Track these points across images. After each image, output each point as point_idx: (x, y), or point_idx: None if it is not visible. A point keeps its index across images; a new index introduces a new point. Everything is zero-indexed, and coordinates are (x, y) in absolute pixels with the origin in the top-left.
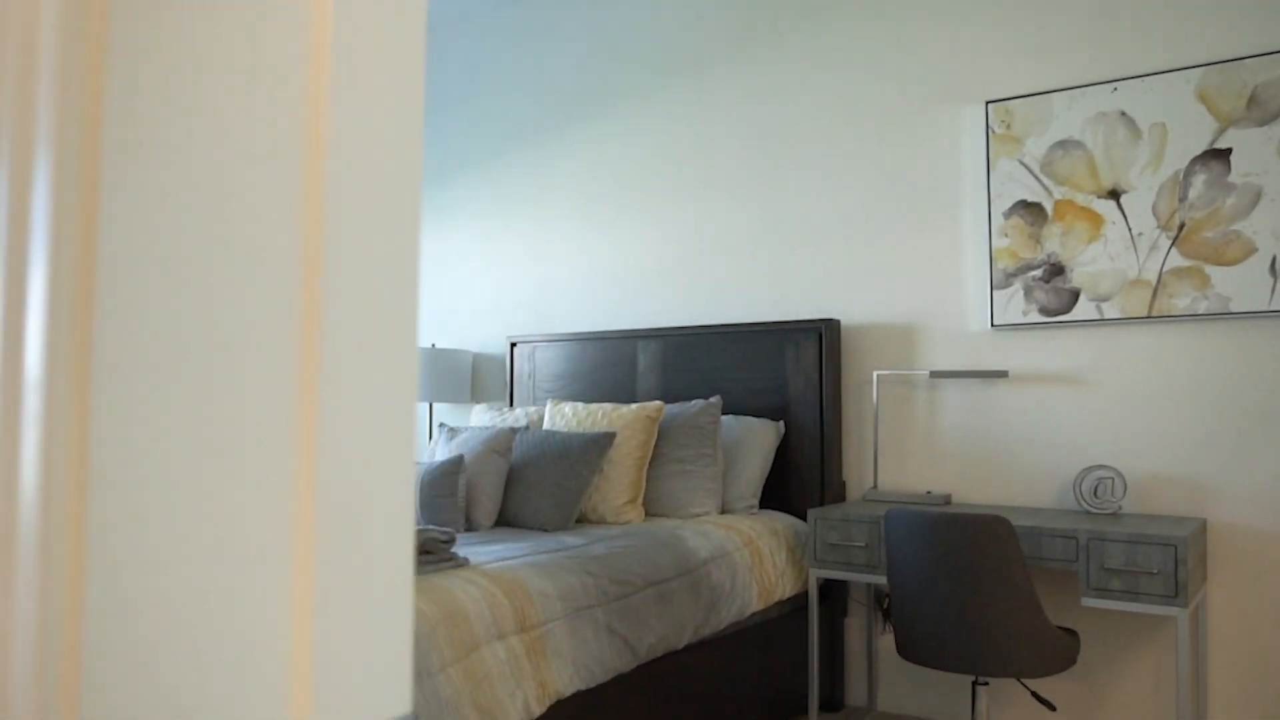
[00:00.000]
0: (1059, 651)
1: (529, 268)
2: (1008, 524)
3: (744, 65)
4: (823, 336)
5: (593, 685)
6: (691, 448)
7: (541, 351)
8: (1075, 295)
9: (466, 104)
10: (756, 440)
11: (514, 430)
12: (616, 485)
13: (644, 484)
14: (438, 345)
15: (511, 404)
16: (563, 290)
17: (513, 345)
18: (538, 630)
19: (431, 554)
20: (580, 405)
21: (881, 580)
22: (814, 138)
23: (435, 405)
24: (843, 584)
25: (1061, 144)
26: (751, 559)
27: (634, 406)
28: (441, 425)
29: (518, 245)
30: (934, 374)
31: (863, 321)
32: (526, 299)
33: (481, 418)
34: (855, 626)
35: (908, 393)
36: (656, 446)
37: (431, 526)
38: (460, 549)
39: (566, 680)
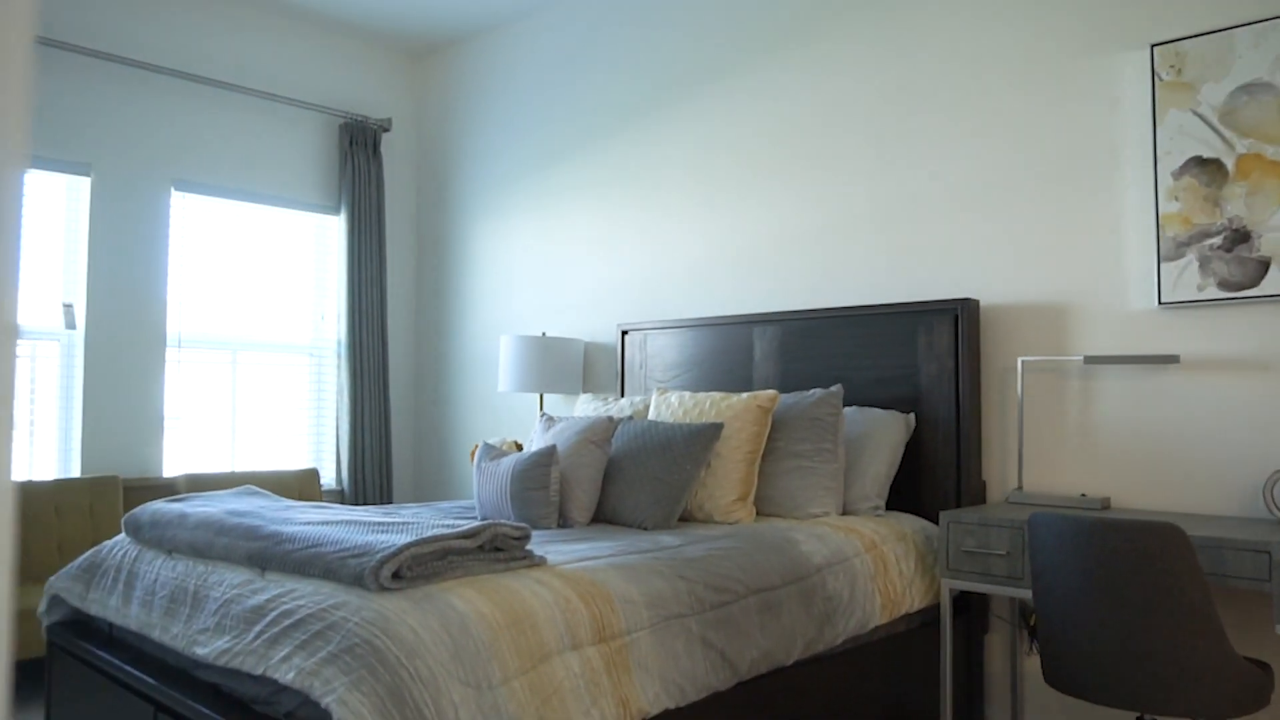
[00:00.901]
0: (1246, 688)
1: (641, 253)
2: (1182, 534)
3: (865, 23)
4: (959, 318)
5: (683, 705)
6: (809, 442)
7: (653, 340)
8: (1264, 266)
9: (574, 85)
10: (883, 434)
11: (613, 420)
12: (725, 481)
13: (755, 481)
14: (548, 334)
15: (622, 394)
16: (675, 275)
17: (624, 333)
18: (619, 641)
19: (502, 551)
20: (687, 395)
21: (1026, 594)
22: (947, 98)
23: (546, 396)
24: (982, 597)
25: (1246, 88)
26: (874, 566)
27: (744, 396)
28: (542, 415)
29: (629, 230)
30: (1089, 360)
31: (1004, 301)
32: (638, 285)
33: (585, 408)
34: (997, 646)
35: (1058, 382)
36: (770, 440)
37: (502, 521)
38: (544, 546)
39: (652, 698)
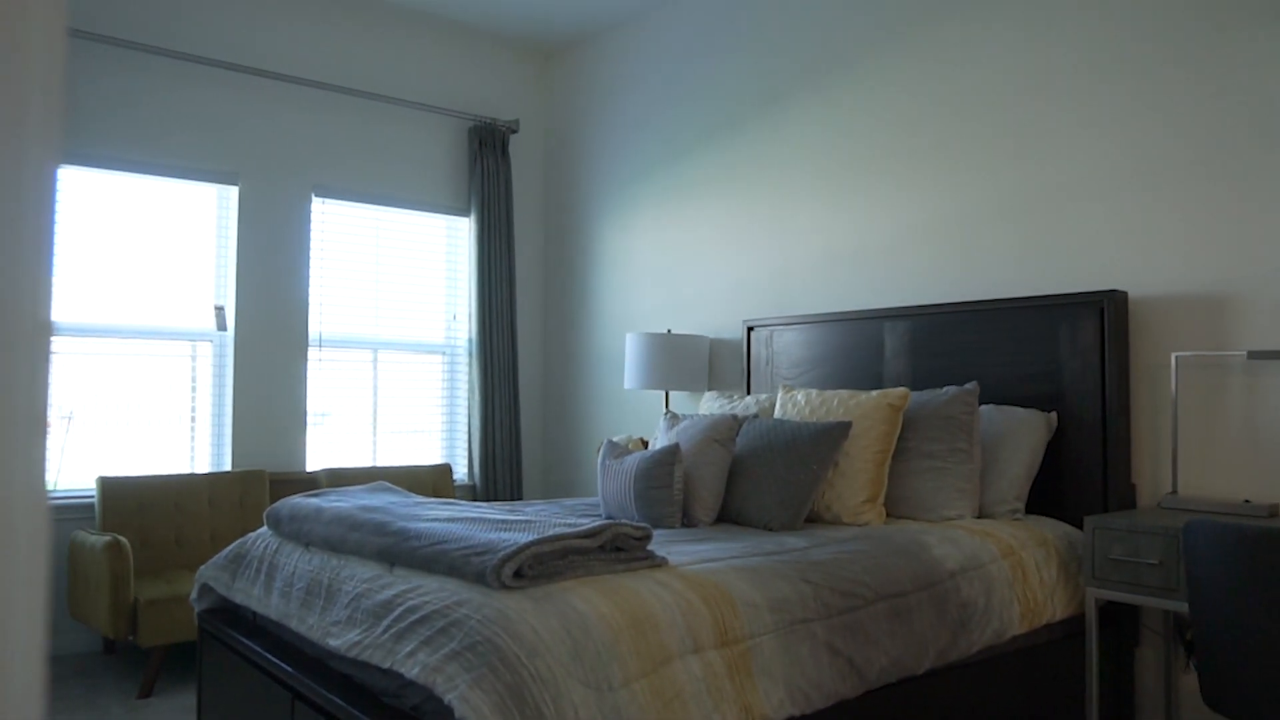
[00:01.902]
0: None
1: (767, 247)
2: None
3: (997, 6)
4: (1105, 312)
5: (809, 712)
6: (943, 441)
7: (780, 335)
8: None
9: (699, 79)
10: (1022, 434)
11: (738, 418)
12: (853, 482)
13: (885, 481)
14: (673, 331)
15: (748, 391)
16: (802, 269)
17: (749, 329)
18: (742, 645)
19: (624, 551)
20: (814, 392)
21: (1182, 607)
22: (1088, 80)
23: (672, 394)
24: (1132, 608)
25: None
26: (1012, 573)
27: (874, 394)
28: (666, 413)
29: (755, 224)
30: (1254, 355)
31: (1156, 293)
32: (764, 280)
33: (709, 405)
34: (1149, 660)
35: (1218, 379)
36: (902, 439)
37: (624, 520)
38: (666, 546)
39: (776, 705)
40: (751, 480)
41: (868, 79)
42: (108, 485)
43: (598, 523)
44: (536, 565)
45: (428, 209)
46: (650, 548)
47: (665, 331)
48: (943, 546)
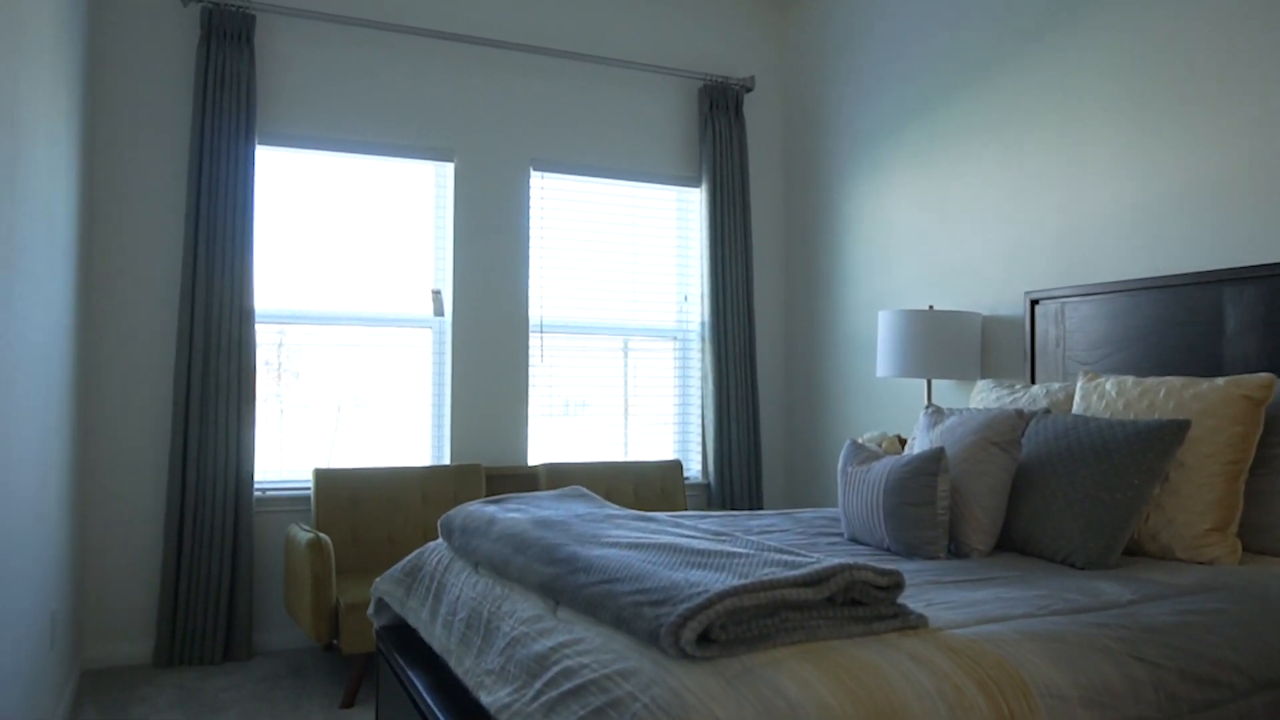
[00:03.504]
0: None
1: (1052, 200)
2: None
3: None
4: None
5: None
6: None
7: (1074, 310)
8: None
9: (962, 10)
10: None
11: (1023, 414)
12: (1193, 503)
13: (1240, 503)
14: (936, 307)
15: (1032, 380)
16: (1103, 226)
17: (1033, 303)
18: None
19: (862, 605)
20: (1129, 381)
21: None
22: None
23: (934, 383)
24: None
25: None
26: None
27: (1220, 383)
28: (928, 408)
29: (1035, 173)
30: None
31: None
32: (1052, 242)
33: (984, 397)
34: None
35: None
36: (1263, 446)
37: (860, 560)
38: (927, 591)
39: None
40: (1044, 496)
41: None
42: (322, 478)
43: (824, 562)
44: (733, 625)
45: (655, 180)
46: (902, 599)
47: (926, 308)
48: None
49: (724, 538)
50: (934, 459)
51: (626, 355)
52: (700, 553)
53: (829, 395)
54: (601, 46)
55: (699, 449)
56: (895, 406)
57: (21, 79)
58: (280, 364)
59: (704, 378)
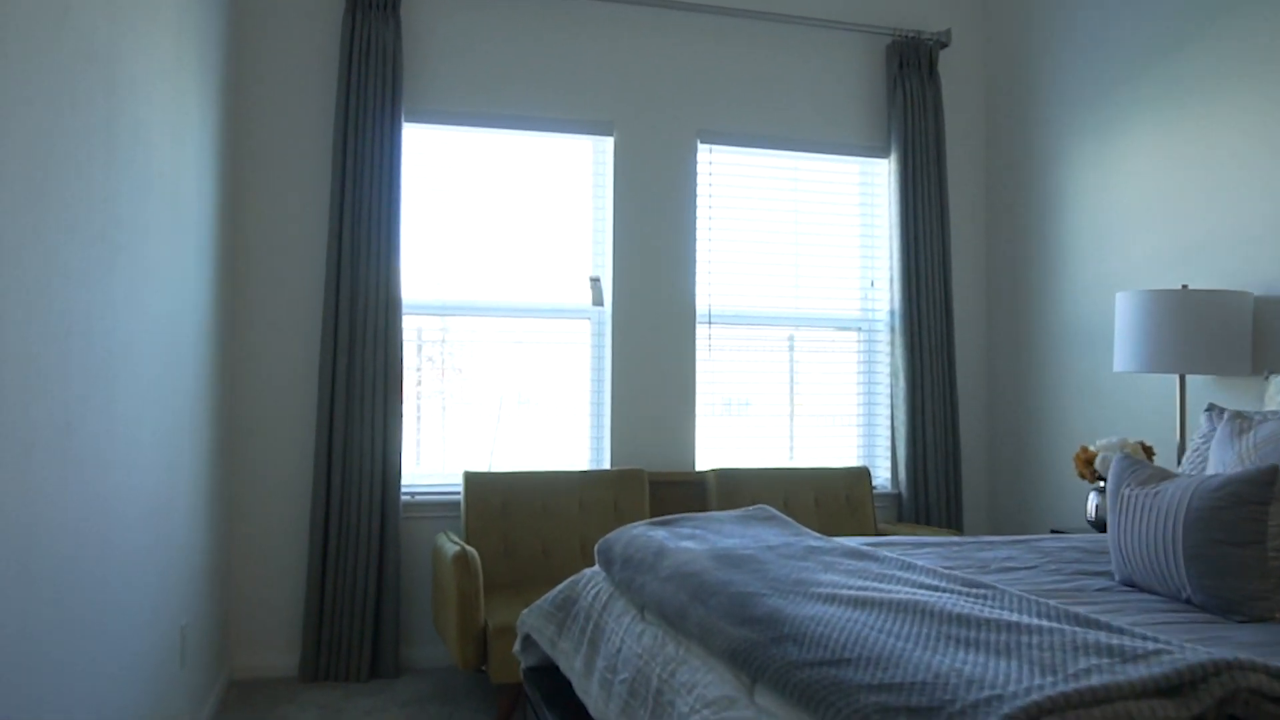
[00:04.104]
0: None
1: None
2: None
3: None
4: None
5: None
6: None
7: None
8: None
9: None
10: None
11: None
12: None
13: None
14: (1190, 286)
15: None
16: None
17: None
18: None
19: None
20: None
21: None
22: None
23: (1190, 379)
24: None
25: None
26: None
27: None
28: (1210, 409)
29: None
30: None
31: None
32: None
33: None
34: None
35: None
36: None
37: (1242, 656)
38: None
39: None
40: None
41: None
42: (472, 482)
43: (1182, 655)
44: None
45: (836, 151)
46: None
47: (1178, 288)
48: None
49: (984, 592)
50: (1263, 481)
51: (792, 349)
52: (963, 620)
53: (1044, 393)
54: (775, 2)
55: (887, 454)
56: (1132, 407)
57: (124, 38)
58: (442, 360)
59: (894, 373)
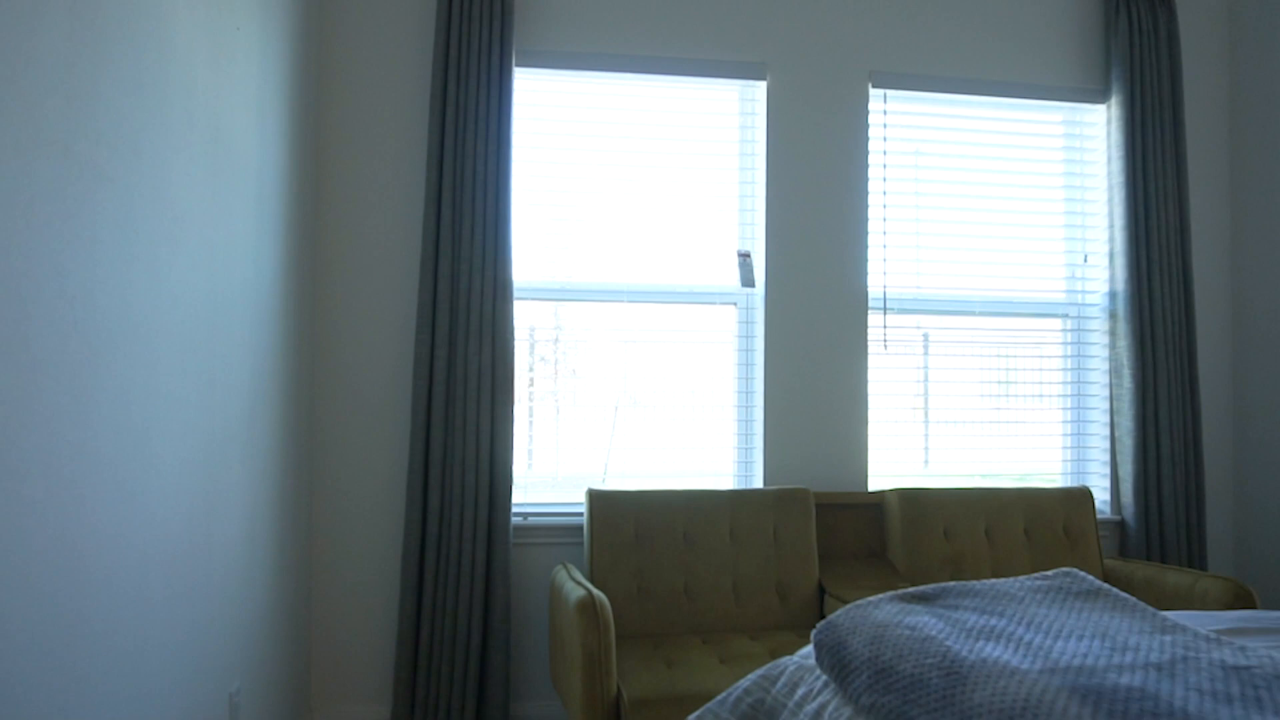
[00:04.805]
0: None
1: None
2: None
3: None
4: None
5: None
6: None
7: None
8: None
9: None
10: None
11: None
12: None
13: None
14: None
15: None
16: None
17: None
18: None
19: None
20: None
21: None
22: None
23: None
24: None
25: None
26: None
27: None
28: None
29: None
30: None
31: None
32: None
33: None
34: None
35: None
36: None
37: None
38: None
39: None
40: None
41: None
42: (598, 503)
43: None
44: None
45: (1039, 96)
46: None
47: None
48: None
49: None
50: None
51: (997, 339)
52: None
53: None
54: None
55: (1107, 471)
56: None
57: None
58: (557, 359)
59: (1115, 370)
